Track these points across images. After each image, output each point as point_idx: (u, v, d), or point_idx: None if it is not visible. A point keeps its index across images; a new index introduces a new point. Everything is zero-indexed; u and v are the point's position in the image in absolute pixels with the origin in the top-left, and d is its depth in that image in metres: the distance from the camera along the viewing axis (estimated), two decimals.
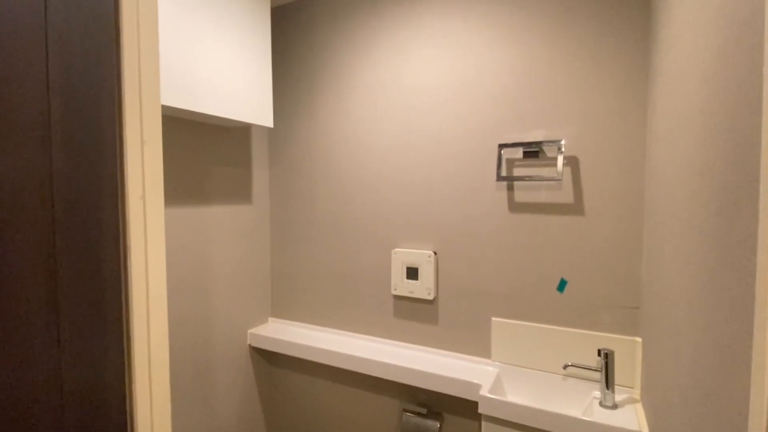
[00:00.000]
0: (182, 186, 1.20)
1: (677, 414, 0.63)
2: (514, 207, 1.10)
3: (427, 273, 1.21)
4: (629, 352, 0.98)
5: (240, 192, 1.40)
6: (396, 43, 1.24)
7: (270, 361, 1.54)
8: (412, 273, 1.24)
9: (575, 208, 1.03)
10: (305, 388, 1.48)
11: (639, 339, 0.97)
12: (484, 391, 0.99)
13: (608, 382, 0.93)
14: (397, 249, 1.27)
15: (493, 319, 1.14)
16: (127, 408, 0.53)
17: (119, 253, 0.51)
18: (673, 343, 0.66)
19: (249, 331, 1.45)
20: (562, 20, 1.02)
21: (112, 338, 0.51)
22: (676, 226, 0.66)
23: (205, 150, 1.26)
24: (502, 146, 1.08)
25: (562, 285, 1.05)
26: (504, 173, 1.10)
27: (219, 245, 1.32)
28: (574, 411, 1.00)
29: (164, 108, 1.02)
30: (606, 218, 1.00)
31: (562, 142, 1.01)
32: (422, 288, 1.22)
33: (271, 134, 1.51)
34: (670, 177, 0.71)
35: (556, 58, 1.03)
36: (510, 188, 1.10)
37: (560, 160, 0.99)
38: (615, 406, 0.93)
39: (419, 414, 1.24)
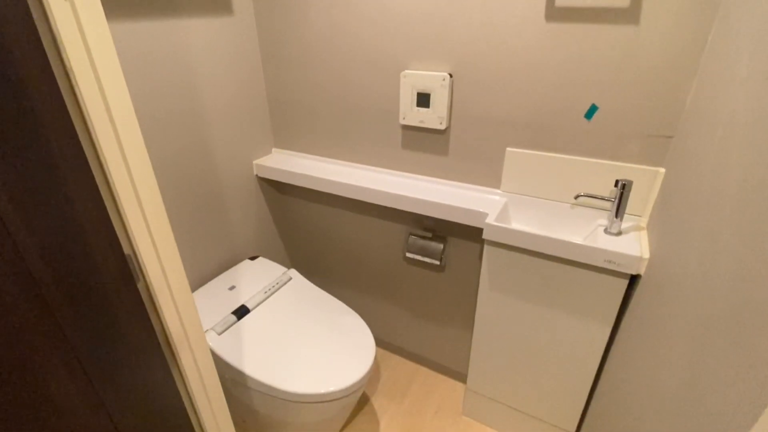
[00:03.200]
0: None
1: (690, 242, 0.62)
2: (553, 13, 0.89)
3: (440, 99, 1.08)
4: (647, 183, 0.94)
5: None
6: None
7: (279, 191, 1.57)
8: (423, 100, 1.11)
9: (630, 14, 0.82)
10: (316, 214, 1.54)
11: (662, 170, 0.91)
12: (490, 219, 1.00)
13: (618, 212, 0.92)
14: (406, 71, 1.10)
15: (508, 149, 1.07)
16: (127, 246, 0.52)
17: (50, 74, 0.41)
18: (711, 176, 0.60)
19: (254, 162, 1.42)
20: None
21: (78, 175, 0.46)
22: None
23: None
24: None
25: (591, 111, 0.94)
26: None
27: (203, 67, 1.16)
28: (578, 238, 1.03)
29: None
30: (664, 27, 0.81)
31: None
32: (434, 117, 1.11)
33: None
34: None
35: None
36: None
37: None
38: (620, 233, 0.94)
39: (424, 237, 1.30)
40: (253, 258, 1.43)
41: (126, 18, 0.95)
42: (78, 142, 0.46)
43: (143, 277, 0.61)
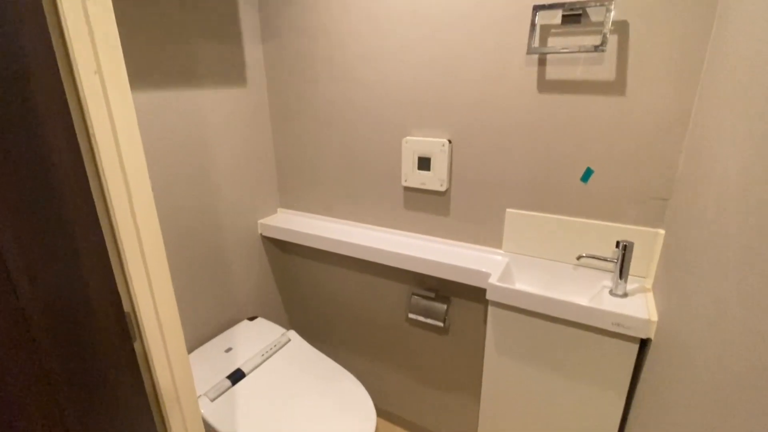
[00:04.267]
0: (165, 65, 1.06)
1: (697, 306, 0.61)
2: (545, 86, 0.95)
3: (440, 163, 1.13)
4: (648, 244, 0.94)
5: (232, 72, 1.25)
6: None
7: (283, 250, 1.58)
8: (424, 163, 1.16)
9: (616, 86, 0.89)
10: (318, 274, 1.53)
11: (662, 231, 0.92)
12: (493, 279, 0.99)
13: (622, 273, 0.92)
14: (408, 137, 1.16)
15: (508, 210, 1.09)
16: (128, 307, 0.52)
17: (73, 139, 0.44)
18: (711, 238, 0.60)
19: (259, 221, 1.45)
20: None
21: (87, 240, 0.47)
22: (751, 111, 0.55)
23: (183, 19, 1.09)
24: (537, 8, 0.89)
25: (587, 175, 0.97)
26: (536, 43, 0.93)
27: (217, 134, 1.23)
28: (583, 299, 1.01)
29: None
30: (650, 99, 0.87)
31: (612, 3, 0.82)
32: (434, 179, 1.15)
33: (261, 2, 1.29)
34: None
35: None
36: (541, 63, 0.94)
37: (608, 23, 0.81)
38: (625, 295, 0.93)
39: (427, 297, 1.28)
40: (251, 318, 1.40)
41: (148, 89, 1.03)
42: (92, 201, 0.47)
43: (140, 336, 0.60)
